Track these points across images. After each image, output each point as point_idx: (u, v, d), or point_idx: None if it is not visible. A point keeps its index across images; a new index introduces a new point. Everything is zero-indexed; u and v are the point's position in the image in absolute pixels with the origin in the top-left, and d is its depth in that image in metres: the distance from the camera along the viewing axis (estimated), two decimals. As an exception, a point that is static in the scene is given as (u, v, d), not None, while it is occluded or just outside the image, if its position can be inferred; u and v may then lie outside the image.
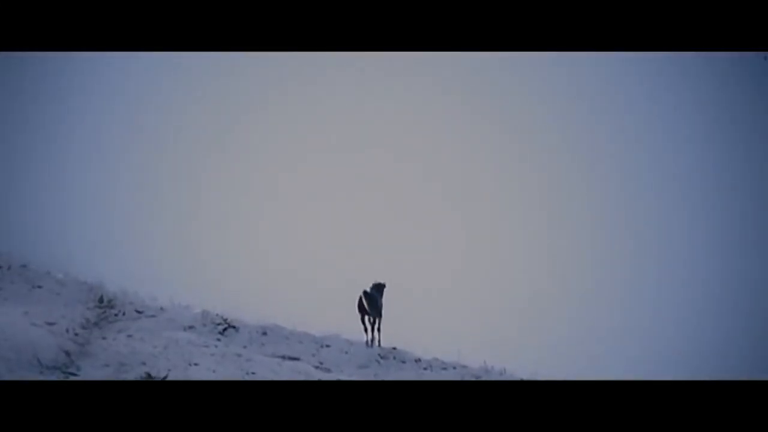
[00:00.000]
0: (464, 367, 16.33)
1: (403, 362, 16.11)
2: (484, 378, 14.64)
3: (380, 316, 17.36)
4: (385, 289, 17.75)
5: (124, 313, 14.33)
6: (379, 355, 16.05)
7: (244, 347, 14.24)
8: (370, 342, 17.02)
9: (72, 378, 10.41)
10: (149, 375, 10.57)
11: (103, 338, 12.24)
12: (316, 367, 13.84)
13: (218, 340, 14.36)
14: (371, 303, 17.23)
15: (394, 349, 16.83)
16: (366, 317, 17.23)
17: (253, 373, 11.86)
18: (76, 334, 11.70)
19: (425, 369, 15.91)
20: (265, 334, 15.49)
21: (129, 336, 13.00)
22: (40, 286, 15.49)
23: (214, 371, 11.67)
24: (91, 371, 10.79)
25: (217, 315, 15.66)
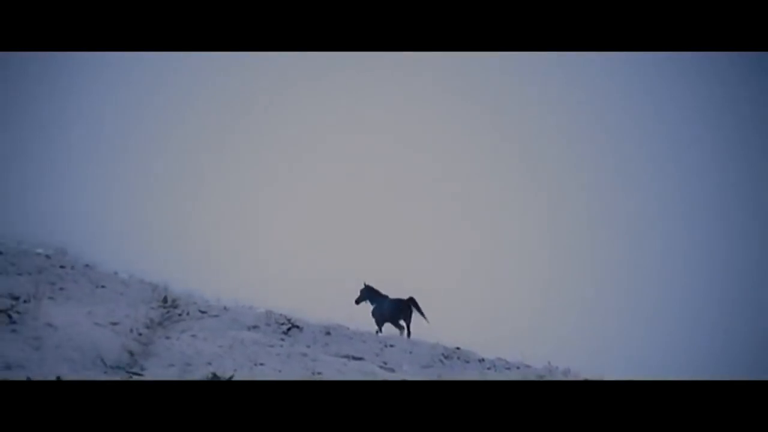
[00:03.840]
0: (528, 366, 16.06)
1: (467, 362, 15.92)
2: (548, 378, 14.28)
3: None
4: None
5: (188, 313, 14.19)
6: (442, 354, 15.85)
7: (309, 347, 14.11)
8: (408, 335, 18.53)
9: (136, 378, 10.28)
10: (215, 375, 10.39)
11: (167, 338, 12.08)
12: (381, 367, 13.62)
13: (282, 339, 14.23)
14: (418, 307, 18.83)
15: (458, 349, 16.65)
16: (405, 318, 18.84)
17: (319, 373, 11.65)
18: (140, 334, 11.55)
19: (489, 369, 15.69)
20: (328, 333, 15.39)
21: (193, 336, 12.88)
22: (103, 286, 15.54)
23: (279, 371, 11.48)
24: (155, 371, 10.64)
25: (280, 315, 15.62)
